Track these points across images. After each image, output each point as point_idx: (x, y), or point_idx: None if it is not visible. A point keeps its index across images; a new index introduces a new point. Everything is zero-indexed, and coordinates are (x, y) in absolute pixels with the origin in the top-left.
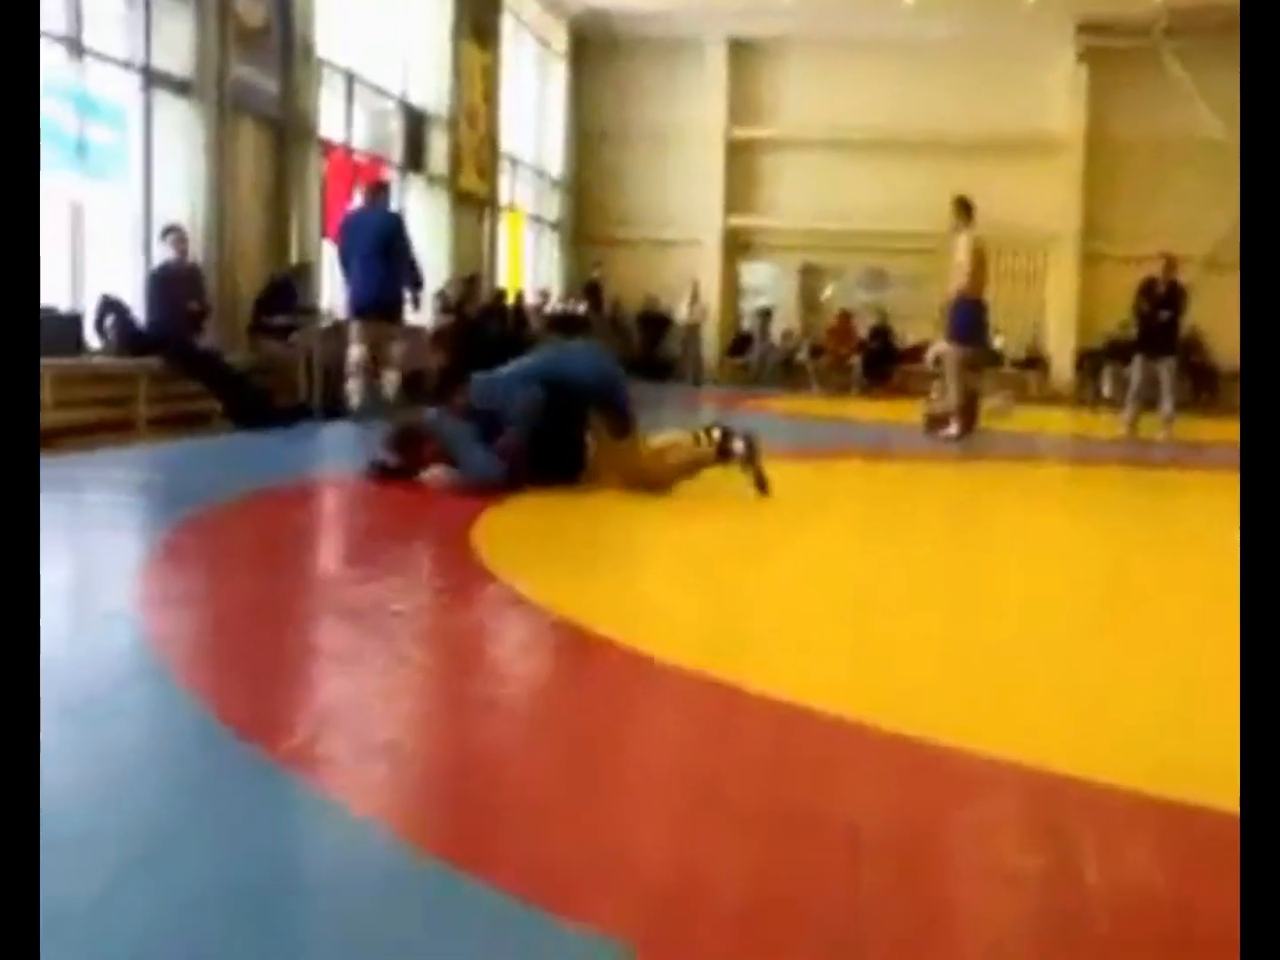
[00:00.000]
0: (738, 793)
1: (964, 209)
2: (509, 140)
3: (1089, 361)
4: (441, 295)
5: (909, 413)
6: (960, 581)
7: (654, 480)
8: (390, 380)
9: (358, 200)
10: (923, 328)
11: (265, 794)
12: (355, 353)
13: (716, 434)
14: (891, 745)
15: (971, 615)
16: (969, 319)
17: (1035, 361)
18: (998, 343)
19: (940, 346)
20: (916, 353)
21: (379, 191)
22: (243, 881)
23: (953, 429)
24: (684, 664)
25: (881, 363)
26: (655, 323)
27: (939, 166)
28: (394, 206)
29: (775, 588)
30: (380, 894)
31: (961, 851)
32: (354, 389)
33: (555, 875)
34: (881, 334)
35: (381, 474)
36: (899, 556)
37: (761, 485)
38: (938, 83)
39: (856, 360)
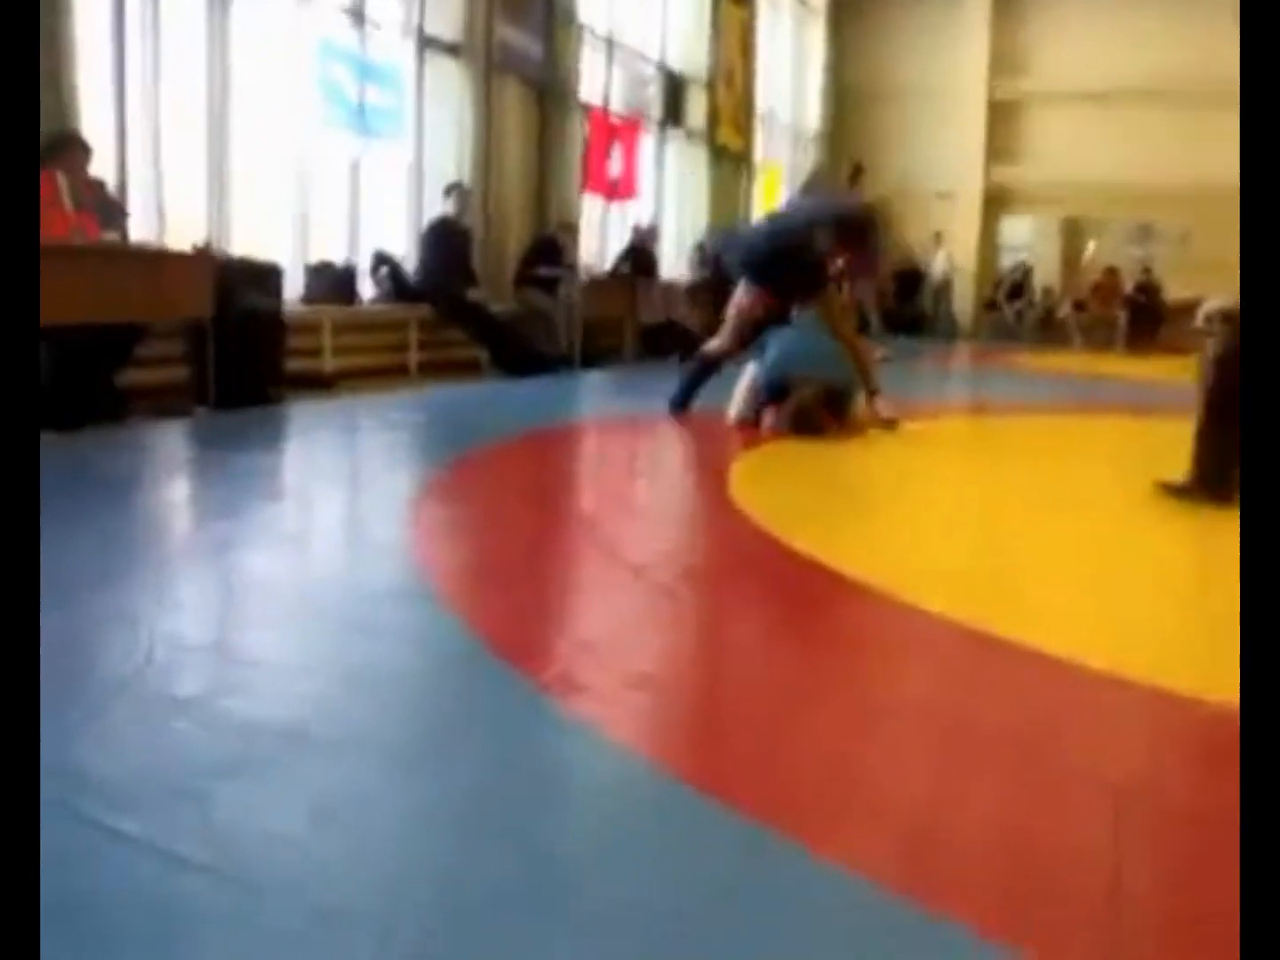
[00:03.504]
0: (989, 735)
1: None
2: (766, 97)
3: None
4: (699, 249)
5: (1179, 371)
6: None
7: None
8: None
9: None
10: (1197, 282)
11: (522, 711)
12: None
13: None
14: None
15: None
16: None
17: None
18: None
19: (1212, 304)
20: (1187, 309)
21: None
22: (495, 792)
23: None
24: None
25: (1148, 320)
26: (909, 277)
27: (1213, 115)
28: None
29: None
30: (627, 811)
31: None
32: None
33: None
34: (1148, 290)
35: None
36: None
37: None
38: (1213, 26)
39: (1122, 317)
